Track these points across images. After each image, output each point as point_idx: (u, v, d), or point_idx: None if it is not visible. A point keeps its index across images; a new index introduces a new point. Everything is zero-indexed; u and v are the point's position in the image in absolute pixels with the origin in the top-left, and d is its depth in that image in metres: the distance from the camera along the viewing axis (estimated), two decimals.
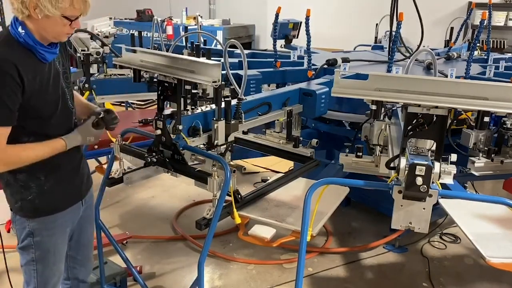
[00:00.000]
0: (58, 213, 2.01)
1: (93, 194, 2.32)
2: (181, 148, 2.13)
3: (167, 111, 2.15)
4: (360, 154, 2.64)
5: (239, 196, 2.26)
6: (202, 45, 4.23)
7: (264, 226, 2.21)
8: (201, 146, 2.29)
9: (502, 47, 6.94)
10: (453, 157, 1.96)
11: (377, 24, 5.74)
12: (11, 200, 1.97)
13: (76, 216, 2.14)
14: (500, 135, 2.61)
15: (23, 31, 1.74)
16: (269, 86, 3.81)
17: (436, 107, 1.83)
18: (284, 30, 5.09)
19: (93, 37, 3.54)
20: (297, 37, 5.28)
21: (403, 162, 1.85)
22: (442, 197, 1.93)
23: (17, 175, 1.89)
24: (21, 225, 1.99)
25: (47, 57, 1.82)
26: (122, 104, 5.98)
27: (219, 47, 4.38)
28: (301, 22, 5.02)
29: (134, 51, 2.28)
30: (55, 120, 1.91)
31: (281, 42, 4.99)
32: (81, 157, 2.13)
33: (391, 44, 3.68)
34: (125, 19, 8.71)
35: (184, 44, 4.34)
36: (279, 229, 2.22)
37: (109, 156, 2.71)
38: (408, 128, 1.89)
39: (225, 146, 2.30)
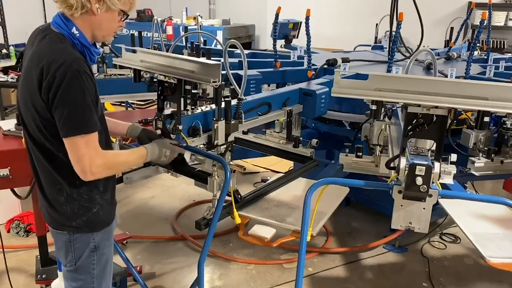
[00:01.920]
0: (114, 220, 1.95)
1: None
2: None
3: (167, 111, 2.16)
4: (360, 154, 2.64)
5: (239, 196, 2.26)
6: (202, 45, 4.23)
7: (264, 226, 2.21)
8: (201, 146, 2.29)
9: (502, 47, 6.94)
10: (453, 157, 1.96)
11: (377, 24, 5.74)
12: (71, 217, 1.79)
13: None
14: (500, 135, 2.61)
15: (77, 32, 1.67)
16: (269, 86, 3.81)
17: (436, 107, 1.83)
18: (284, 30, 5.09)
19: None
20: (297, 37, 5.28)
21: (403, 162, 1.85)
22: (442, 197, 1.93)
23: (81, 189, 1.76)
24: (83, 242, 1.83)
25: (95, 58, 1.78)
26: (122, 104, 5.98)
27: (219, 47, 4.38)
28: (301, 22, 5.02)
29: (134, 51, 2.28)
30: (103, 127, 1.82)
31: (281, 42, 4.99)
32: None
33: (391, 44, 3.69)
34: None
35: (184, 44, 4.34)
36: (279, 229, 2.22)
37: None
38: (408, 128, 1.89)
39: (225, 146, 2.30)
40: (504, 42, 7.00)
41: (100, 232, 1.86)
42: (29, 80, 1.64)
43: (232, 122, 2.28)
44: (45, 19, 8.05)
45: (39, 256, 2.99)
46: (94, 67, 3.46)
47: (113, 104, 6.02)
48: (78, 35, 1.67)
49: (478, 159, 2.59)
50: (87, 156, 1.63)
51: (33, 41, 1.72)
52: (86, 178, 1.67)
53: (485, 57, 4.58)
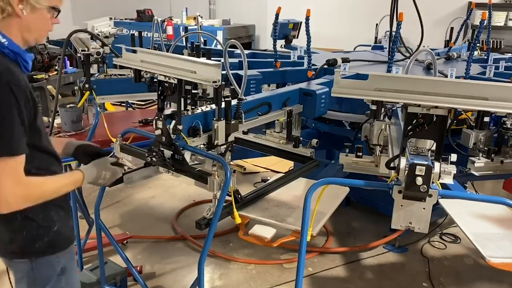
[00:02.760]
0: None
1: None
2: (181, 148, 2.13)
3: (167, 111, 2.15)
4: (360, 154, 2.64)
5: (239, 196, 2.26)
6: (202, 45, 4.23)
7: (264, 226, 2.22)
8: (201, 146, 2.29)
9: (498, 47, 6.94)
10: (453, 157, 1.96)
11: (377, 24, 5.74)
12: (29, 243, 1.63)
13: None
14: (500, 135, 2.61)
15: (5, 40, 1.50)
16: (269, 86, 3.81)
17: (436, 107, 1.83)
18: (284, 30, 5.09)
19: (93, 37, 3.54)
20: (297, 37, 5.28)
21: (403, 162, 1.85)
22: (442, 197, 1.93)
23: (33, 208, 1.56)
24: (49, 267, 1.69)
25: (29, 65, 1.60)
26: (122, 104, 5.98)
27: (219, 47, 4.38)
28: (301, 22, 5.02)
29: (134, 51, 2.28)
30: (46, 143, 1.68)
31: (281, 42, 4.99)
32: None
33: (391, 44, 3.69)
34: (125, 19, 8.72)
35: (184, 44, 4.34)
36: (279, 229, 2.22)
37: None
38: (408, 128, 1.89)
39: (225, 146, 2.30)
40: (501, 42, 7.00)
41: (64, 252, 1.73)
42: None
43: (232, 122, 2.28)
44: None
45: None
46: (94, 67, 3.47)
47: (113, 104, 6.02)
48: (6, 43, 1.51)
49: (478, 159, 2.58)
50: (4, 184, 1.43)
51: None
52: (2, 210, 1.47)
53: (485, 57, 4.58)
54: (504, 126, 2.59)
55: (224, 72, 2.34)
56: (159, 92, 2.16)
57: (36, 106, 1.55)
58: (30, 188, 1.51)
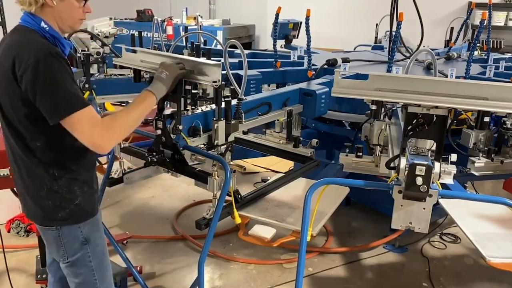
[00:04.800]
0: (98, 211, 1.96)
1: None
2: (181, 148, 2.13)
3: (167, 111, 2.15)
4: (360, 154, 2.64)
5: (239, 196, 2.26)
6: (202, 45, 4.23)
7: (264, 226, 2.21)
8: (201, 146, 2.29)
9: (498, 47, 6.94)
10: (453, 157, 1.96)
11: (377, 24, 5.74)
12: (55, 210, 1.81)
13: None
14: (500, 135, 2.61)
15: (46, 25, 1.71)
16: (269, 86, 3.81)
17: (436, 107, 1.83)
18: (284, 30, 5.09)
19: (93, 37, 3.54)
20: (297, 37, 5.29)
21: (403, 162, 1.85)
22: (442, 197, 1.93)
23: (59, 181, 1.79)
24: (72, 235, 1.86)
25: (67, 50, 1.80)
26: (122, 104, 5.96)
27: (219, 47, 4.38)
28: (301, 22, 5.02)
29: (134, 51, 2.28)
30: None
31: (281, 42, 4.99)
32: None
33: (391, 44, 3.68)
34: (125, 19, 8.71)
35: (184, 44, 4.34)
36: (279, 229, 2.22)
37: (109, 156, 2.71)
38: (408, 128, 1.89)
39: (225, 146, 2.30)
40: (501, 42, 7.00)
41: (87, 224, 1.88)
42: (4, 75, 1.67)
43: (232, 122, 2.28)
44: None
45: (39, 256, 2.99)
46: (94, 67, 3.46)
47: (113, 104, 6.01)
48: (47, 28, 1.71)
49: (478, 159, 2.58)
50: (85, 134, 1.65)
51: (5, 38, 1.77)
52: (100, 151, 1.69)
53: (485, 57, 4.58)
54: (504, 126, 2.58)
55: (224, 72, 2.34)
56: None
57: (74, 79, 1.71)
58: (109, 126, 1.69)
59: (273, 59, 3.79)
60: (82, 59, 3.35)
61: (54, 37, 1.73)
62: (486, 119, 2.35)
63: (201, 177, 2.11)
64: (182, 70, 1.99)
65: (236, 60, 3.81)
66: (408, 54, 4.19)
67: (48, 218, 1.84)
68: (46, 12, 1.72)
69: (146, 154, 2.21)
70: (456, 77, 3.33)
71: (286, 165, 4.57)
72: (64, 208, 1.81)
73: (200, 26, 5.93)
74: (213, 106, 2.34)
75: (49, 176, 1.77)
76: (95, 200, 1.95)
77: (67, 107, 1.62)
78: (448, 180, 1.94)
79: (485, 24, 3.47)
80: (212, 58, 3.21)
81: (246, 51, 3.11)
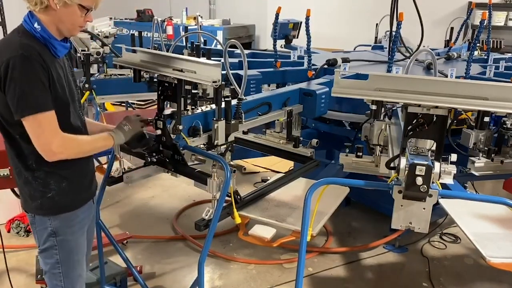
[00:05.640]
0: (77, 209, 1.99)
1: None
2: (181, 148, 2.13)
3: (167, 111, 2.15)
4: (360, 154, 2.64)
5: (239, 197, 2.26)
6: (202, 45, 4.23)
7: (264, 226, 2.21)
8: (201, 146, 2.29)
9: (498, 47, 6.94)
10: (453, 157, 1.96)
11: (377, 24, 5.74)
12: (29, 199, 1.92)
13: (91, 213, 2.16)
14: (500, 135, 2.61)
15: (39, 26, 1.77)
16: (269, 86, 3.81)
17: (436, 107, 1.83)
18: (284, 30, 5.09)
19: (93, 37, 3.54)
20: (297, 37, 5.29)
21: (403, 162, 1.85)
22: (442, 197, 1.93)
23: (36, 173, 1.86)
24: (42, 225, 1.94)
25: (60, 51, 1.85)
26: (122, 104, 5.98)
27: (219, 47, 4.38)
28: (301, 22, 5.02)
29: (134, 51, 2.27)
30: (69, 120, 1.89)
31: (281, 42, 4.99)
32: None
33: (391, 44, 3.68)
34: (125, 19, 8.71)
35: (184, 44, 4.34)
36: (279, 229, 2.22)
37: (109, 156, 2.71)
38: (408, 128, 1.89)
39: (225, 146, 2.30)
40: (501, 42, 7.00)
41: (57, 218, 1.93)
42: None
43: (232, 122, 2.28)
44: None
45: (39, 256, 2.99)
46: (94, 67, 3.46)
47: (113, 104, 6.02)
48: (39, 29, 1.77)
49: (478, 159, 2.58)
50: (44, 136, 1.72)
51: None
52: (49, 158, 1.76)
53: (485, 57, 4.58)
54: (504, 126, 2.59)
55: (224, 72, 2.34)
56: (159, 92, 2.16)
57: (53, 78, 1.76)
58: (67, 140, 1.78)
59: (273, 59, 3.79)
60: (82, 59, 3.35)
61: (45, 38, 1.79)
62: (486, 119, 2.35)
63: (201, 178, 2.11)
64: (142, 128, 2.10)
65: (236, 60, 3.81)
66: (408, 54, 4.19)
67: (25, 205, 1.98)
68: (48, 14, 1.78)
69: (146, 154, 2.21)
70: (456, 77, 3.32)
71: (286, 165, 4.57)
72: (36, 198, 1.90)
73: (200, 26, 5.93)
74: (213, 106, 2.34)
75: (27, 167, 1.86)
76: (78, 197, 2.00)
77: (29, 106, 1.69)
78: (448, 180, 1.94)
79: (485, 24, 3.47)
80: (212, 58, 3.21)
81: (246, 51, 3.11)
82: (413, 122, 1.88)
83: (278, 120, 2.87)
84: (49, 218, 1.92)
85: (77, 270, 2.06)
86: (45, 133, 1.72)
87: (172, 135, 2.12)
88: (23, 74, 1.68)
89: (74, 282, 2.06)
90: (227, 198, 2.11)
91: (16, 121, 1.74)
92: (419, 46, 4.01)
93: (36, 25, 1.77)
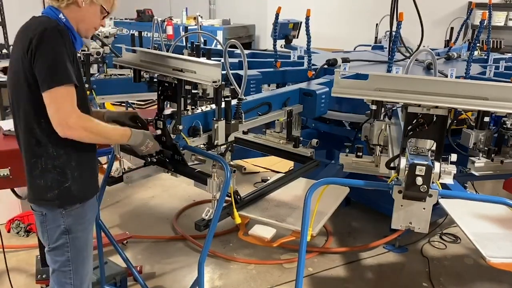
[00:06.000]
0: (87, 201, 1.99)
1: None
2: (181, 148, 2.13)
3: (167, 111, 2.15)
4: (360, 154, 2.64)
5: (239, 197, 2.26)
6: (202, 45, 4.23)
7: (264, 226, 2.21)
8: (201, 146, 2.29)
9: (498, 47, 6.94)
10: (453, 157, 1.96)
11: (377, 24, 5.74)
12: (44, 191, 1.88)
13: (96, 210, 2.16)
14: (500, 135, 2.61)
15: (64, 17, 1.83)
16: (269, 86, 3.81)
17: (436, 107, 1.83)
18: (284, 30, 5.09)
19: (93, 37, 3.54)
20: (297, 37, 5.28)
21: (403, 162, 1.85)
22: (442, 197, 1.93)
23: (55, 161, 1.85)
24: (55, 223, 1.93)
25: (78, 44, 1.89)
26: (122, 104, 5.98)
27: (219, 47, 4.38)
28: (301, 22, 5.02)
29: (134, 51, 2.28)
30: (83, 105, 1.88)
31: (281, 42, 4.99)
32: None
33: (391, 44, 3.68)
34: (125, 19, 8.71)
35: (184, 44, 4.34)
36: (279, 229, 2.22)
37: (109, 156, 2.71)
38: (408, 128, 1.89)
39: (225, 146, 2.30)
40: (501, 42, 7.00)
41: (70, 215, 1.93)
42: (18, 52, 1.77)
43: (232, 122, 2.28)
44: None
45: (39, 256, 2.99)
46: (94, 67, 3.46)
47: (113, 104, 6.02)
48: (64, 20, 1.83)
49: (478, 159, 2.58)
50: (63, 109, 1.71)
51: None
52: (63, 132, 1.74)
53: (485, 57, 4.58)
54: (504, 126, 2.59)
55: (224, 72, 2.34)
56: (159, 92, 2.16)
57: (76, 58, 1.82)
58: (86, 118, 1.77)
59: (273, 59, 3.79)
60: (82, 59, 3.35)
61: (68, 28, 1.83)
62: (486, 119, 2.35)
63: (201, 178, 2.11)
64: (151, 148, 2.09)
65: (236, 60, 3.81)
66: (408, 54, 4.18)
67: (38, 198, 1.92)
68: (71, 9, 1.84)
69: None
70: (456, 77, 3.32)
71: (286, 165, 4.57)
72: (53, 188, 1.88)
73: (200, 26, 5.93)
74: (213, 106, 2.34)
75: (47, 155, 1.84)
76: (86, 188, 1.99)
77: (59, 76, 1.70)
78: (448, 180, 1.94)
79: (485, 24, 3.46)
80: (212, 58, 3.20)
81: (246, 51, 3.11)
82: (413, 122, 1.88)
83: (278, 120, 2.87)
84: (63, 216, 1.92)
85: (86, 266, 2.07)
86: (65, 105, 1.71)
87: (172, 135, 2.12)
88: (56, 44, 1.71)
89: (83, 279, 2.07)
90: (227, 198, 2.11)
91: (44, 108, 1.73)
92: (419, 46, 4.01)
93: (61, 15, 1.83)
